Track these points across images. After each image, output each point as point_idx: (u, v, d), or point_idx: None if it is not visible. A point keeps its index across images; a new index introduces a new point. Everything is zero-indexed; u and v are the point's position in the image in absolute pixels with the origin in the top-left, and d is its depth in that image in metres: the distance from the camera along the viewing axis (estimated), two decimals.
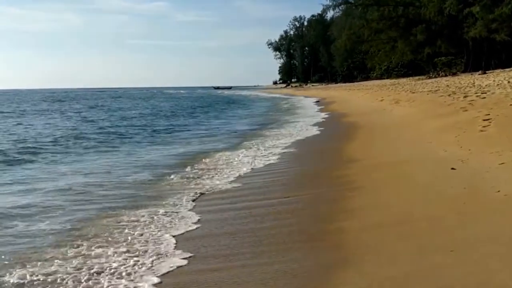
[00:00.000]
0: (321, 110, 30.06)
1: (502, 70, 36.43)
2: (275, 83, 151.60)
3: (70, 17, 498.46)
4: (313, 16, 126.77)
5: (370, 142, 12.86)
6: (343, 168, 9.25)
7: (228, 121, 26.45)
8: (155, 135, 19.32)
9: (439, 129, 11.90)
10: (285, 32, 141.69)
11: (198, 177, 9.38)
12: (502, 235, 4.52)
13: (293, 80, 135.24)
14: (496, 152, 7.70)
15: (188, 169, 10.30)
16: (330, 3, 62.22)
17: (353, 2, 61.65)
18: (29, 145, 15.59)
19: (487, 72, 36.67)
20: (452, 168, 7.36)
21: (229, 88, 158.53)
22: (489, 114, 11.45)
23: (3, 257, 5.22)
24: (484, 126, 10.21)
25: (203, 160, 11.53)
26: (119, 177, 9.76)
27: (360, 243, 5.02)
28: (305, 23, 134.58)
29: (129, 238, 5.72)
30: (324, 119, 22.78)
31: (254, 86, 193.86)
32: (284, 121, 23.59)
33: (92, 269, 4.77)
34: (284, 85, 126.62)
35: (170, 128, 22.22)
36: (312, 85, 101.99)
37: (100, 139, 17.64)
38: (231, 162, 11.18)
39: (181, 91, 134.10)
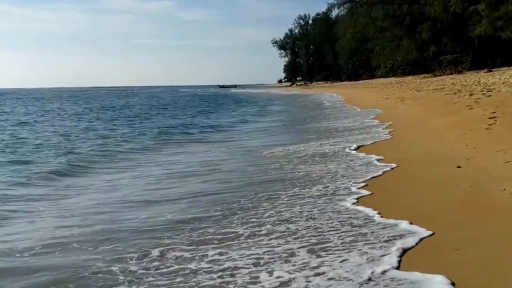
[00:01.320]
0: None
1: (508, 68, 36.31)
2: (280, 81, 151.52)
3: (76, 17, 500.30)
4: (317, 14, 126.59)
5: None
6: None
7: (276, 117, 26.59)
8: (221, 130, 20.36)
9: (445, 127, 11.86)
10: (290, 30, 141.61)
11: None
12: (508, 233, 4.51)
13: (298, 78, 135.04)
14: (502, 150, 7.67)
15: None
16: (335, 2, 62.38)
17: (357, 0, 61.46)
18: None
19: (492, 70, 36.54)
20: (458, 167, 7.35)
21: (235, 86, 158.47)
22: (495, 112, 11.41)
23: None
24: (490, 124, 10.18)
25: None
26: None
27: None
28: (310, 22, 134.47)
29: None
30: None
31: (258, 84, 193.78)
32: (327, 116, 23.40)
33: None
34: (289, 83, 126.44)
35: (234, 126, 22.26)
36: (317, 84, 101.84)
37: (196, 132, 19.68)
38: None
39: (197, 90, 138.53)
